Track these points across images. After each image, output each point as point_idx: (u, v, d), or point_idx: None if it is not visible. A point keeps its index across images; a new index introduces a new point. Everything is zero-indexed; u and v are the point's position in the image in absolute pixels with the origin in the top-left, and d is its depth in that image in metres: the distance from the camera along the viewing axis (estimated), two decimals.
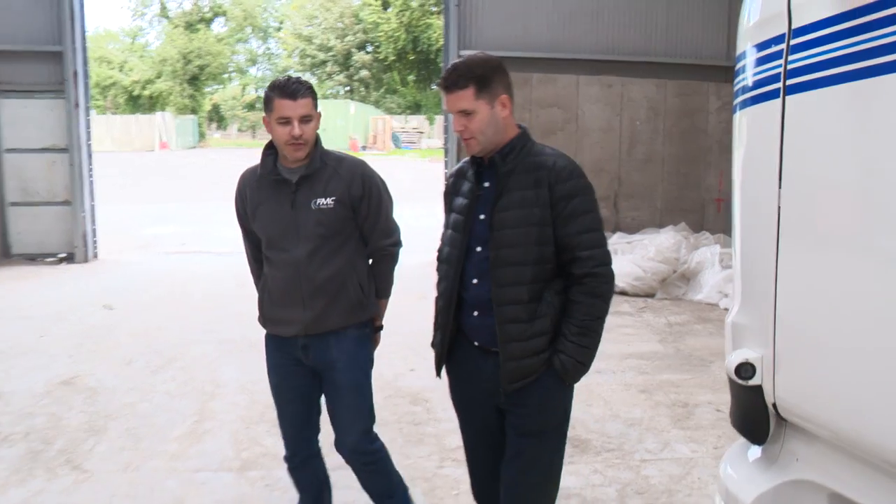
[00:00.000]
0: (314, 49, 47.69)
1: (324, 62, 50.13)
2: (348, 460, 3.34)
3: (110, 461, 4.47)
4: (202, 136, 52.93)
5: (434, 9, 41.88)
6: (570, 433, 4.72)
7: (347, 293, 3.21)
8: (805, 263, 1.67)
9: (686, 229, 10.44)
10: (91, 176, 11.62)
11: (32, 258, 11.47)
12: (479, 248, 2.66)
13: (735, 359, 1.81)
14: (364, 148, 43.30)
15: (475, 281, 2.67)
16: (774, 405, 1.78)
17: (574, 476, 4.26)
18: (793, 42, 1.62)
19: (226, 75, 58.23)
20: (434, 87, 46.96)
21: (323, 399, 3.37)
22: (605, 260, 2.61)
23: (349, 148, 41.45)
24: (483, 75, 2.56)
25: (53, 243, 11.48)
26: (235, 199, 3.34)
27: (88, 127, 11.51)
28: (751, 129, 1.86)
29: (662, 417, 5.21)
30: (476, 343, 2.74)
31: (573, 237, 2.55)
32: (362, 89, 51.68)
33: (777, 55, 1.68)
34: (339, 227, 3.17)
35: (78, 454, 4.55)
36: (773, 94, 1.70)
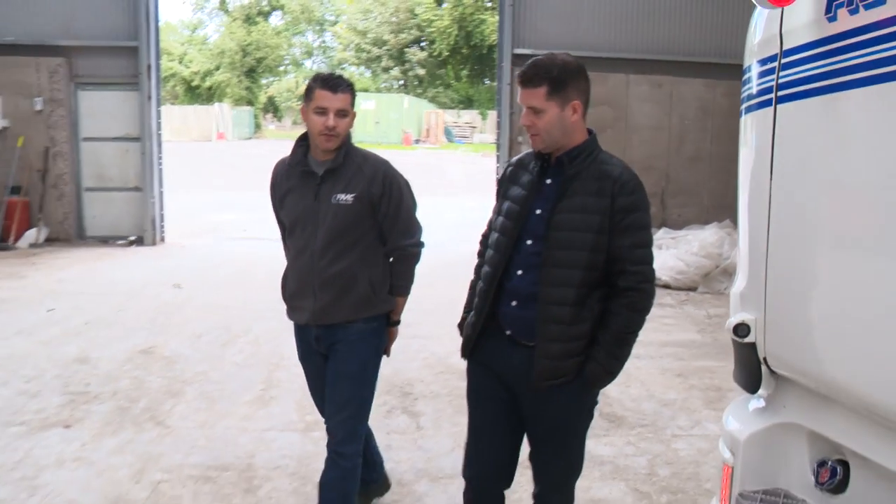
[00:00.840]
0: (368, 43, 48.31)
1: (378, 57, 50.73)
2: (329, 459, 3.34)
3: (188, 419, 4.99)
4: (258, 127, 54.00)
5: (488, 4, 42.13)
6: (607, 410, 5.18)
7: (356, 289, 3.25)
8: (787, 245, 2.04)
9: (730, 226, 10.67)
10: (160, 164, 12.30)
11: (105, 240, 12.18)
12: (529, 242, 2.67)
13: (734, 320, 2.19)
14: (417, 142, 43.68)
15: (520, 272, 2.69)
16: (765, 359, 2.16)
17: (609, 447, 4.65)
18: (783, 61, 1.99)
19: (282, 68, 59.06)
20: (487, 82, 47.21)
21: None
22: (651, 277, 2.65)
23: (402, 142, 42.03)
24: (558, 77, 2.57)
25: (124, 227, 12.20)
26: (270, 187, 3.42)
27: (159, 118, 12.19)
28: (751, 131, 2.22)
29: (696, 399, 5.55)
30: (508, 332, 2.74)
31: (626, 250, 2.58)
32: (416, 84, 52.14)
33: (772, 71, 2.05)
34: (355, 223, 3.21)
35: (160, 412, 5.08)
36: (767, 103, 2.06)
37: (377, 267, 3.30)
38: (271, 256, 10.97)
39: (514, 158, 2.90)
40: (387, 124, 43.92)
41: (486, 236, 2.93)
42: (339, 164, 3.18)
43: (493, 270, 2.73)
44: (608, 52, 11.30)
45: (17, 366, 5.93)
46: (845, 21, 1.76)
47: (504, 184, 2.85)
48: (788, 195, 2.02)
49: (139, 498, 3.91)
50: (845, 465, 2.01)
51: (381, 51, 49.58)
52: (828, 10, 1.82)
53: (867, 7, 1.70)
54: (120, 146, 12.03)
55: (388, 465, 4.04)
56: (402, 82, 52.65)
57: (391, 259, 3.35)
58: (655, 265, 2.68)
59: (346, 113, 3.14)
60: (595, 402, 2.80)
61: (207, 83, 53.56)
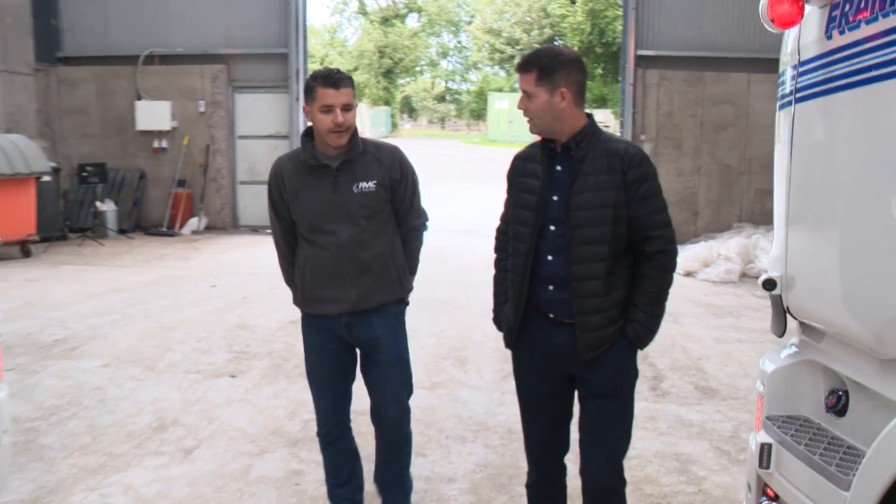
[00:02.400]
0: (502, 43, 49.04)
1: (512, 56, 51.37)
2: (384, 432, 3.51)
3: None
4: (394, 126, 55.64)
5: (620, 1, 41.94)
6: (702, 383, 5.64)
7: (389, 271, 3.35)
8: (800, 219, 2.58)
9: None
10: None
11: (255, 229, 13.46)
12: (552, 227, 2.78)
13: (763, 277, 2.73)
14: None
15: (550, 258, 2.79)
16: (787, 308, 2.69)
17: (699, 413, 5.16)
18: (800, 69, 2.53)
19: (418, 68, 60.67)
20: (620, 80, 46.88)
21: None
22: (673, 238, 2.79)
23: (534, 140, 42.26)
24: (548, 65, 2.71)
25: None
26: (269, 187, 3.39)
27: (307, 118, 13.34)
28: (781, 125, 2.75)
29: None
30: (551, 315, 2.83)
31: (646, 217, 2.72)
32: None
33: (793, 77, 2.59)
34: (381, 208, 3.30)
35: (290, 374, 5.96)
36: (789, 103, 2.60)
37: (399, 249, 3.41)
38: None
39: (520, 152, 2.99)
40: (520, 123, 43.89)
41: (501, 231, 3.03)
42: (356, 154, 3.24)
43: (524, 260, 2.83)
44: (729, 51, 11.53)
45: (191, 329, 7.03)
46: (836, 40, 2.30)
47: (514, 178, 2.96)
48: (800, 180, 2.56)
49: (293, 430, 4.77)
50: (847, 393, 2.53)
51: (514, 50, 50.18)
52: (826, 32, 2.36)
53: (850, 29, 2.23)
54: (270, 143, 13.27)
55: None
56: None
57: (404, 239, 3.45)
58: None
59: (351, 106, 3.16)
60: (637, 362, 2.92)
61: None
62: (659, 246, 2.74)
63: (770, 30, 2.49)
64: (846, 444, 2.45)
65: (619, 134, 12.76)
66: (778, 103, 2.82)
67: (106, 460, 4.28)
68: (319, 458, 3.71)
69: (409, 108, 61.68)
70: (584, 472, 2.94)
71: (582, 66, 2.78)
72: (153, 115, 13.28)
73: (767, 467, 2.66)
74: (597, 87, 52.54)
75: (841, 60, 2.28)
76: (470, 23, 57.70)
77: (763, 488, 2.75)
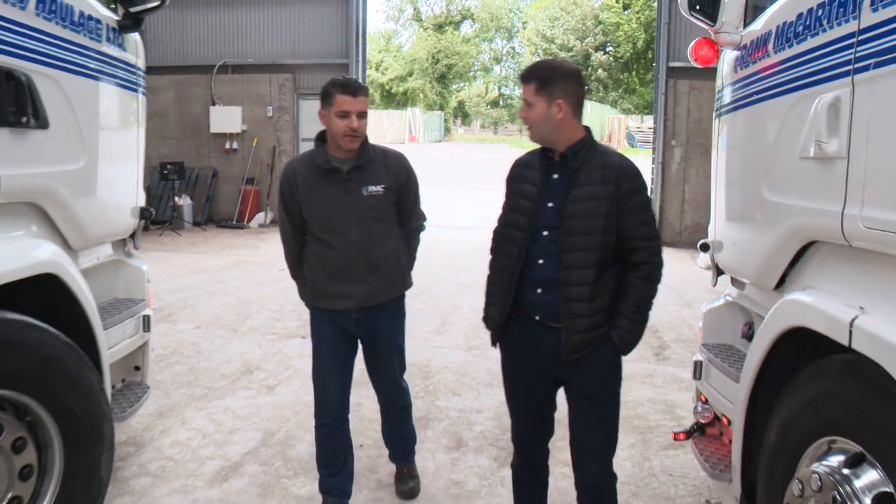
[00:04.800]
0: (555, 49, 49.75)
1: None
2: (385, 407, 3.88)
3: None
4: (447, 130, 56.70)
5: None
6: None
7: (395, 269, 3.53)
8: (718, 196, 3.59)
9: None
10: None
11: None
12: (545, 233, 2.86)
13: (700, 241, 3.74)
14: None
15: (541, 261, 2.87)
16: (716, 264, 3.69)
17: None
18: (721, 92, 3.54)
19: (471, 73, 61.58)
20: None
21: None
22: (659, 250, 2.90)
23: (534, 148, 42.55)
24: (546, 77, 2.81)
25: None
26: (282, 188, 3.53)
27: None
28: (715, 130, 3.76)
29: None
30: (537, 317, 2.91)
31: (635, 228, 2.81)
32: (600, 89, 52.86)
33: (717, 97, 3.61)
34: (387, 210, 3.45)
35: None
36: (718, 115, 3.62)
37: (403, 248, 3.59)
38: (451, 240, 13.21)
39: (519, 158, 3.09)
40: None
41: (498, 233, 3.09)
42: (367, 160, 3.40)
43: (514, 263, 2.91)
44: None
45: (265, 302, 8.24)
46: (739, 73, 3.30)
47: (512, 183, 3.03)
48: (719, 173, 3.57)
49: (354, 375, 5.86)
50: (752, 324, 3.51)
51: (566, 56, 50.87)
52: (734, 67, 3.37)
53: (744, 66, 3.24)
54: None
55: None
56: (586, 87, 53.28)
57: (405, 238, 3.64)
58: None
59: (365, 114, 3.32)
60: (621, 367, 3.03)
61: (402, 89, 56.65)
62: (646, 257, 2.85)
63: (695, 65, 3.49)
64: None
65: (652, 138, 13.63)
66: (714, 112, 3.82)
67: (207, 392, 5.44)
68: (373, 392, 4.76)
69: (462, 113, 62.65)
70: (575, 470, 3.08)
71: (580, 80, 2.90)
72: (226, 119, 14.61)
73: (699, 378, 3.67)
74: (648, 94, 52.97)
75: (741, 87, 3.28)
76: (523, 29, 58.43)
77: (699, 395, 3.76)
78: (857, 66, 2.34)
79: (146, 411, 4.90)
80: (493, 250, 3.10)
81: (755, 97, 3.16)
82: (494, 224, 3.10)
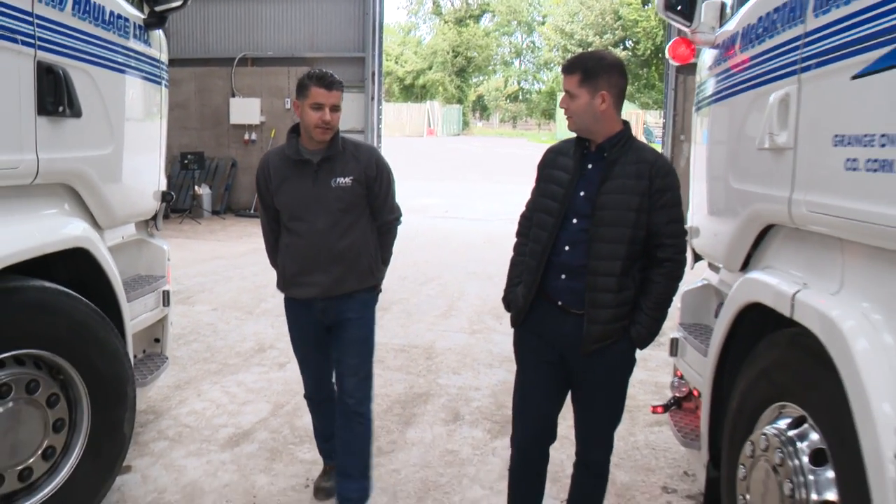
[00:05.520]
0: (574, 45, 49.71)
1: None
2: (342, 408, 3.58)
3: (394, 322, 7.27)
4: (466, 124, 56.85)
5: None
6: None
7: (361, 261, 3.50)
8: (696, 189, 3.85)
9: None
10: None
11: None
12: (575, 220, 2.89)
13: None
14: None
15: (567, 248, 2.90)
16: (693, 249, 3.96)
17: None
18: (699, 87, 3.80)
19: (490, 67, 61.67)
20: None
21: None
22: (684, 248, 2.94)
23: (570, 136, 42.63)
24: (591, 68, 2.83)
25: None
26: (257, 179, 3.57)
27: (380, 115, 14.87)
28: (694, 121, 4.02)
29: None
30: (560, 303, 2.95)
31: (663, 225, 2.84)
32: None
33: (696, 92, 3.87)
34: (355, 202, 3.44)
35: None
36: (698, 107, 3.89)
37: (372, 241, 3.57)
38: (464, 231, 13.56)
39: (555, 145, 3.12)
40: None
41: (526, 217, 3.16)
42: (336, 152, 3.40)
43: (542, 248, 2.94)
44: None
45: None
46: (714, 69, 3.57)
47: (544, 169, 3.07)
48: (695, 163, 3.84)
49: None
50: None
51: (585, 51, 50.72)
52: (710, 64, 3.63)
53: (717, 64, 3.50)
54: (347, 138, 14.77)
55: None
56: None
57: (378, 232, 3.61)
58: None
59: (338, 108, 3.36)
60: (634, 361, 3.10)
61: (421, 82, 56.93)
62: (671, 254, 2.89)
63: (672, 64, 3.75)
64: None
65: (661, 132, 13.83)
66: (694, 105, 4.08)
67: (222, 367, 5.78)
68: (378, 369, 5.09)
69: (481, 107, 62.75)
70: (579, 449, 3.16)
71: (623, 72, 2.92)
72: (245, 110, 14.97)
73: (675, 355, 3.94)
74: None
75: (714, 84, 3.55)
76: (543, 23, 58.44)
77: (675, 371, 4.04)
78: (802, 65, 2.60)
79: (164, 383, 5.25)
80: (520, 234, 3.16)
81: (725, 93, 3.43)
82: (521, 209, 3.19)
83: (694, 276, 4.25)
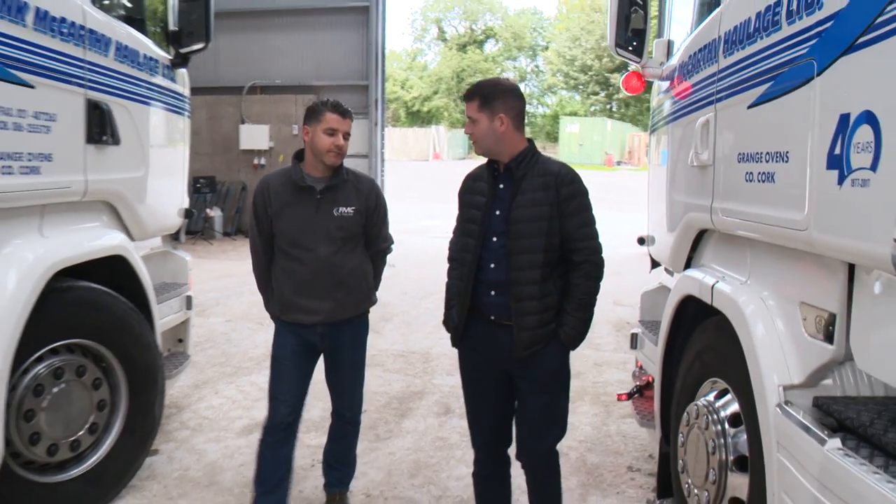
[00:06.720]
0: (575, 70, 50.46)
1: (586, 82, 52.58)
2: (339, 423, 3.82)
3: (394, 332, 7.85)
4: (471, 147, 56.76)
5: None
6: None
7: (360, 287, 3.59)
8: (652, 201, 4.42)
9: None
10: (383, 175, 15.59)
11: None
12: (495, 239, 3.04)
13: (637, 236, 4.56)
14: (619, 163, 44.39)
15: (492, 266, 3.05)
16: (651, 257, 4.51)
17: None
18: (652, 112, 4.38)
19: None
20: None
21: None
22: (598, 249, 3.08)
23: (604, 163, 42.81)
24: (488, 94, 3.02)
25: None
26: (255, 201, 3.59)
27: (383, 140, 15.53)
28: (650, 141, 4.59)
29: None
30: (492, 317, 3.09)
31: (575, 230, 3.01)
32: (622, 107, 53.33)
33: (651, 114, 4.44)
34: (355, 231, 3.53)
35: (377, 327, 7.86)
36: (653, 130, 4.46)
37: (369, 267, 3.68)
38: None
39: (470, 172, 3.28)
40: (590, 146, 45.40)
41: (453, 243, 3.31)
42: (341, 181, 3.51)
43: (468, 269, 3.09)
44: None
45: None
46: (663, 97, 4.15)
47: (464, 195, 3.23)
48: (649, 177, 4.40)
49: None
50: None
51: (586, 77, 51.47)
52: (658, 95, 4.21)
53: (664, 93, 4.08)
54: (352, 162, 15.09)
55: None
56: (608, 106, 53.78)
57: (371, 260, 3.71)
58: None
59: (349, 136, 3.49)
60: (569, 363, 3.22)
61: (426, 107, 57.58)
62: (585, 256, 3.04)
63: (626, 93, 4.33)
64: None
65: None
66: (649, 127, 4.64)
67: (237, 370, 6.35)
68: (379, 371, 5.61)
69: None
70: (522, 458, 3.28)
71: (519, 95, 3.12)
72: (254, 136, 15.63)
73: (636, 347, 4.49)
74: None
75: (662, 110, 4.13)
76: (546, 48, 59.25)
77: (637, 363, 4.59)
78: (717, 96, 3.17)
79: (185, 383, 5.81)
80: (451, 259, 3.29)
81: (669, 118, 4.01)
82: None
83: (653, 280, 4.81)
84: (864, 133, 2.01)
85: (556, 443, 3.27)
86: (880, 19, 1.96)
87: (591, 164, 42.00)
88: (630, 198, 24.72)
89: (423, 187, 29.02)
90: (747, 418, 2.87)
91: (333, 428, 3.88)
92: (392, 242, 3.87)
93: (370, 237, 3.66)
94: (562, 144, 47.68)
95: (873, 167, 1.97)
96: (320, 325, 3.53)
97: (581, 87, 54.26)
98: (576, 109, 53.90)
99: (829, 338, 2.40)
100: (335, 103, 3.49)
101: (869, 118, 2.00)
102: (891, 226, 1.88)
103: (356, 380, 3.80)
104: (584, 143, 45.89)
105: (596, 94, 53.07)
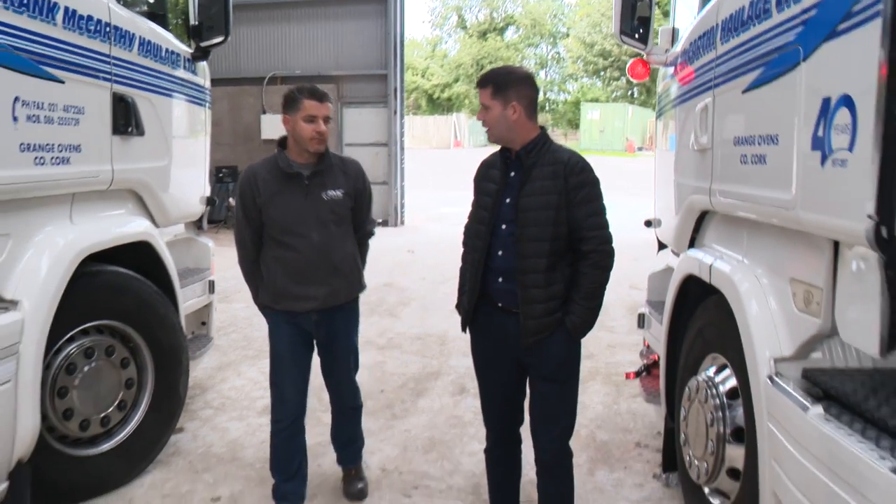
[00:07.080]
0: (594, 55, 50.17)
1: (606, 68, 52.31)
2: (339, 407, 3.90)
3: (412, 316, 8.02)
4: None
5: None
6: None
7: (354, 271, 3.62)
8: (658, 184, 4.53)
9: None
10: (402, 164, 15.78)
11: None
12: (504, 226, 3.04)
13: (645, 219, 4.67)
14: (640, 149, 43.87)
15: (500, 253, 3.04)
16: (658, 239, 4.63)
17: None
18: (659, 97, 4.49)
19: None
20: None
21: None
22: (608, 239, 3.03)
23: (626, 149, 42.62)
24: (502, 82, 3.02)
25: (374, 211, 15.75)
26: (241, 191, 3.54)
27: (402, 129, 15.70)
28: (656, 127, 4.70)
29: None
30: (500, 304, 3.08)
31: (582, 220, 2.97)
32: (643, 93, 53.03)
33: (659, 98, 4.55)
34: (346, 214, 3.54)
35: (395, 311, 8.15)
36: (659, 113, 4.56)
37: (356, 250, 3.69)
38: None
39: (485, 159, 3.28)
40: (611, 132, 45.28)
41: (466, 228, 3.28)
42: (327, 165, 3.50)
43: (478, 255, 3.10)
44: None
45: None
46: (668, 82, 4.25)
47: (479, 182, 3.23)
48: (656, 161, 4.51)
49: (382, 342, 6.92)
50: None
51: (606, 62, 51.17)
52: (665, 77, 4.31)
53: (668, 79, 4.18)
54: (372, 150, 15.59)
55: None
56: (630, 92, 53.53)
57: (358, 243, 3.73)
58: None
59: (329, 119, 3.46)
60: (579, 351, 3.19)
61: (447, 95, 57.61)
62: (594, 245, 3.00)
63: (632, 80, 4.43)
64: None
65: None
66: (656, 110, 4.75)
67: (258, 353, 6.53)
68: (397, 353, 5.76)
69: None
70: (536, 449, 3.27)
71: (532, 83, 3.11)
72: (275, 126, 15.71)
73: (643, 327, 4.62)
74: None
75: (666, 95, 4.23)
76: (567, 35, 59.02)
77: (644, 342, 4.71)
78: (715, 81, 3.29)
79: (208, 365, 6.01)
80: (464, 244, 3.30)
81: (673, 102, 4.11)
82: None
83: (660, 261, 4.93)
84: (843, 116, 2.13)
85: (567, 436, 3.24)
86: (857, 7, 2.07)
87: (613, 150, 41.87)
88: (650, 184, 24.74)
89: (442, 175, 29.10)
90: (744, 391, 2.99)
91: (336, 418, 3.98)
92: (376, 225, 3.88)
93: (359, 220, 3.67)
94: (583, 131, 47.57)
95: (850, 148, 2.09)
96: (315, 311, 3.54)
97: (601, 72, 54.00)
98: (597, 96, 53.60)
99: (815, 312, 2.52)
100: (311, 88, 3.47)
101: (847, 101, 2.12)
102: (865, 202, 2.00)
103: (352, 367, 3.85)
104: (605, 129, 45.67)
105: (616, 79, 52.76)
